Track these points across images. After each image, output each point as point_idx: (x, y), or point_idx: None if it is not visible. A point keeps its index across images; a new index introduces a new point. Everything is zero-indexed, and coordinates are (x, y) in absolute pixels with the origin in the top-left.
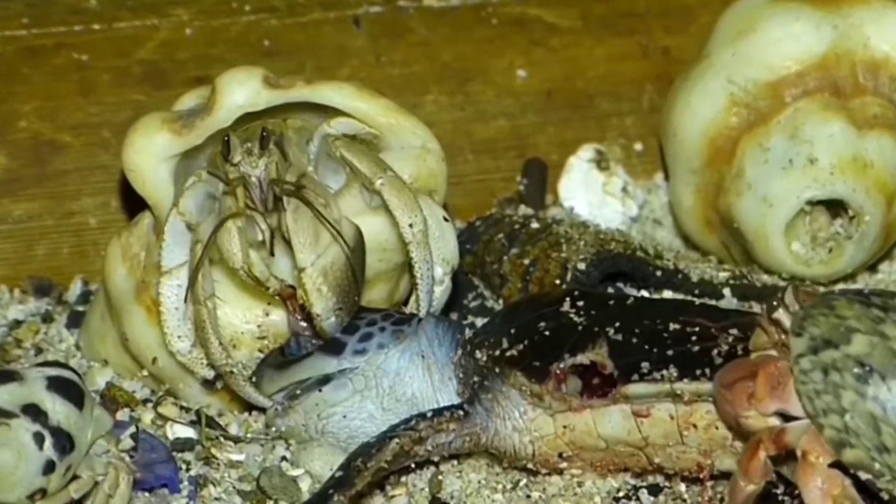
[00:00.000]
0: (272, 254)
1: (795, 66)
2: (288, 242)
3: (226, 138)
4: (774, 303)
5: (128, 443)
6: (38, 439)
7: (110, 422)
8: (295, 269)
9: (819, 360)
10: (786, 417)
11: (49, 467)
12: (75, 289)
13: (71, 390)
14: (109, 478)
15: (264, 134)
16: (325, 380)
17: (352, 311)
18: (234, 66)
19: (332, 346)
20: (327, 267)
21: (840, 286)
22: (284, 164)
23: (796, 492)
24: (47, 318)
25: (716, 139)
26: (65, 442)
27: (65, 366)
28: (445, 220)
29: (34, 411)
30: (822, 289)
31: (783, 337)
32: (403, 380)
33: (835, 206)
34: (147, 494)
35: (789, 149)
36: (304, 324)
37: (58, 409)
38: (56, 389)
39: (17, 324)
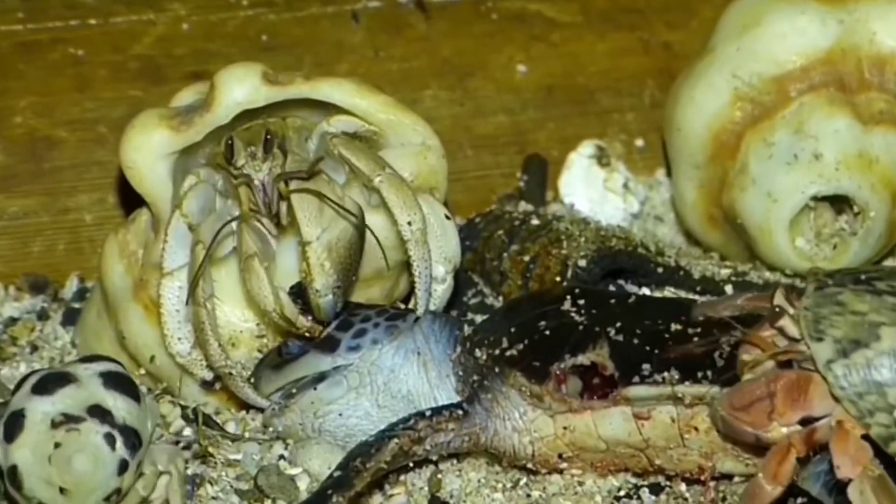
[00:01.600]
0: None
1: (801, 60)
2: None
3: (229, 141)
4: (777, 310)
5: (178, 424)
6: (110, 440)
7: (158, 407)
8: (299, 246)
9: (853, 362)
10: (805, 420)
11: (123, 467)
12: (71, 286)
13: (126, 384)
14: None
15: (268, 137)
16: (320, 378)
17: (347, 292)
18: (232, 61)
19: (327, 344)
20: (332, 242)
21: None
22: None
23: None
24: (43, 316)
25: (720, 134)
26: (133, 439)
27: (107, 358)
28: (447, 217)
29: (100, 412)
30: None
31: (785, 344)
32: (398, 376)
33: (839, 202)
34: None
35: (794, 144)
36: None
37: (119, 406)
38: (113, 386)
39: (13, 321)
